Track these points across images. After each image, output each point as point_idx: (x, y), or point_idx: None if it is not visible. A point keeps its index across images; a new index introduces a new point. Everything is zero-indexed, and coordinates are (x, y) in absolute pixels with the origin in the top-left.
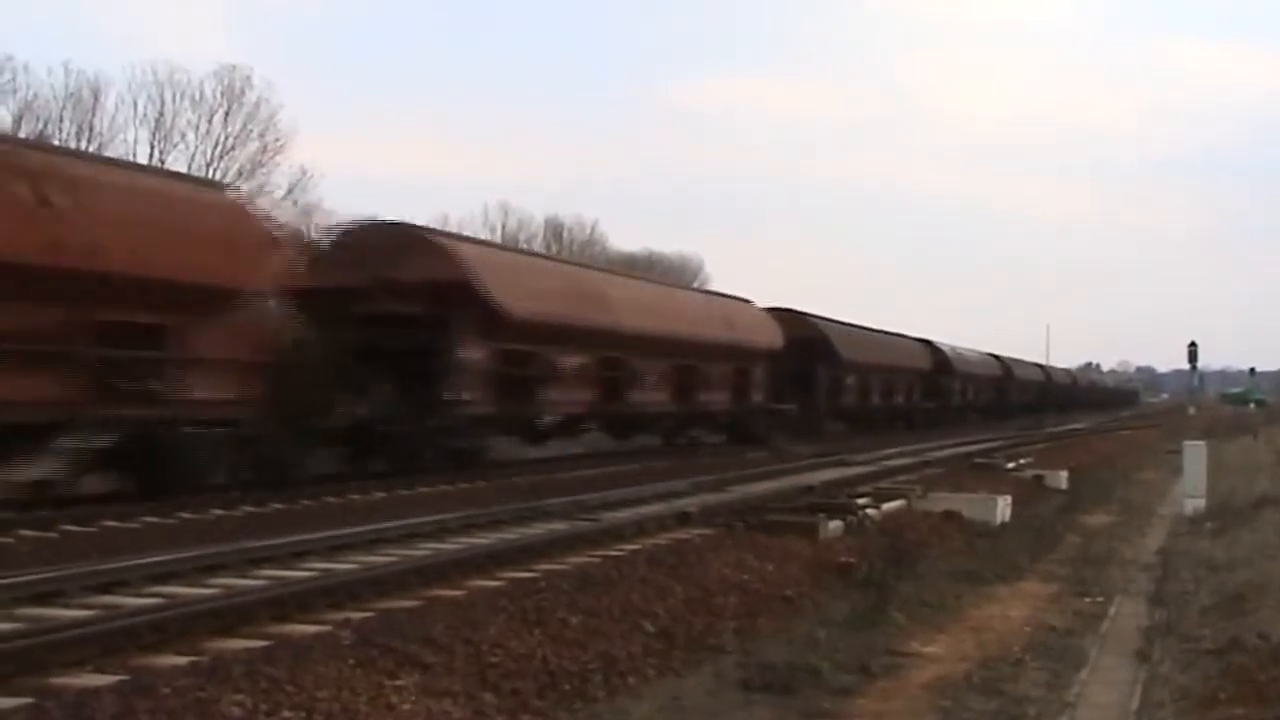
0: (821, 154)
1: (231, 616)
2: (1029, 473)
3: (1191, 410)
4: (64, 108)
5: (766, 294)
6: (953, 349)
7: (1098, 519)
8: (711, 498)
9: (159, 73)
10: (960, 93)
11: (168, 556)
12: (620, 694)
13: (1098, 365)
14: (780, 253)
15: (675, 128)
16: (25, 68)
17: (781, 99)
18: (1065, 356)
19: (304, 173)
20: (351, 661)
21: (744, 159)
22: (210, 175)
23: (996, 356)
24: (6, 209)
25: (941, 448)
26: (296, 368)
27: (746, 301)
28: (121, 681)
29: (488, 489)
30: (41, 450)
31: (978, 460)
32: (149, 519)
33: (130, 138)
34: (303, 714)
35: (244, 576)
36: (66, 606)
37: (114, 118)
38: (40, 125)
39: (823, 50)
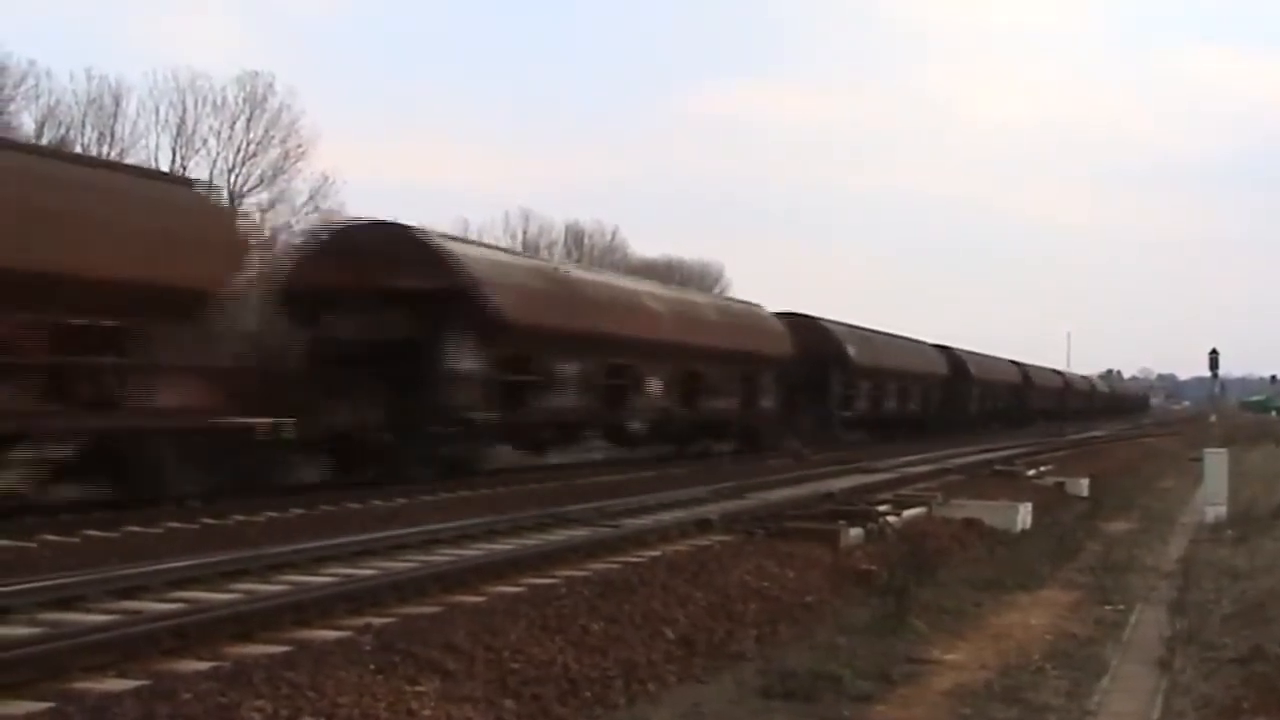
0: (841, 159)
1: (253, 622)
2: (1050, 480)
3: (1212, 418)
4: (85, 114)
5: (782, 297)
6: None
7: (1119, 526)
8: (732, 504)
9: (180, 79)
10: (982, 98)
11: (189, 562)
12: (641, 700)
13: (1119, 373)
14: (798, 257)
15: (693, 133)
16: (47, 73)
17: (800, 105)
18: (1086, 364)
19: (325, 179)
20: (372, 667)
21: (763, 164)
22: (232, 181)
23: (1059, 372)
24: None
25: (963, 454)
26: None
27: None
28: (142, 686)
29: (508, 495)
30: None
31: (998, 467)
32: (171, 524)
33: (152, 144)
34: (323, 719)
35: (265, 582)
36: (88, 611)
37: (135, 124)
38: (62, 131)
39: (841, 57)
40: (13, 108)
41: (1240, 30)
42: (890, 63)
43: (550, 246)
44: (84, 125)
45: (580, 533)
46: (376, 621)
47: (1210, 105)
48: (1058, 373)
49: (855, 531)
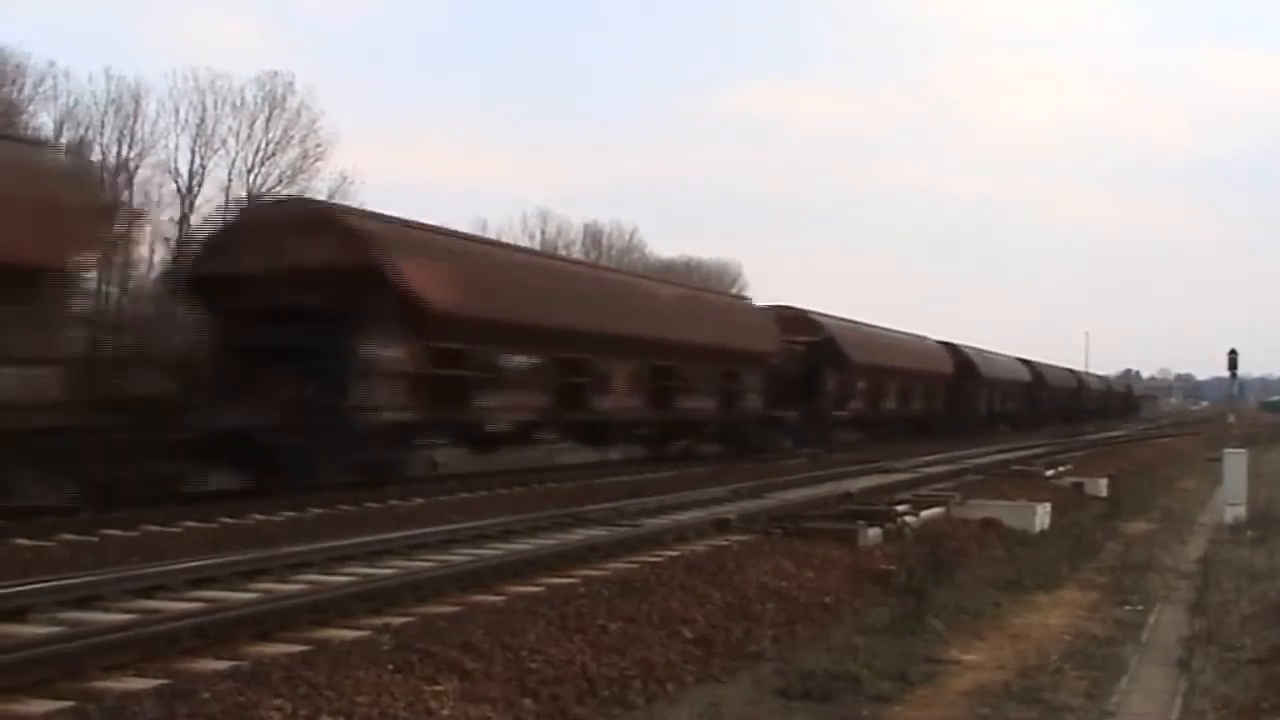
0: (858, 159)
1: (271, 621)
2: (1068, 480)
3: (1231, 418)
4: (105, 114)
5: (800, 296)
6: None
7: (1137, 527)
8: (750, 504)
9: (200, 79)
10: (999, 98)
11: (208, 561)
12: (659, 700)
13: (1137, 373)
14: (816, 257)
15: (712, 134)
16: (66, 74)
17: (818, 105)
18: (1105, 364)
19: (344, 179)
20: (390, 667)
21: (780, 164)
22: (251, 181)
23: (1073, 371)
24: None
25: (980, 455)
26: None
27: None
28: (162, 686)
29: (526, 495)
30: None
31: (1016, 468)
32: (190, 523)
33: (171, 144)
34: (342, 719)
35: (284, 581)
36: (107, 610)
37: (155, 124)
38: (82, 131)
39: (858, 58)
40: (32, 108)
41: (1259, 31)
42: (907, 63)
43: (568, 246)
44: (103, 126)
45: (598, 532)
46: (395, 621)
47: (1231, 105)
48: (1072, 372)
49: (873, 531)
